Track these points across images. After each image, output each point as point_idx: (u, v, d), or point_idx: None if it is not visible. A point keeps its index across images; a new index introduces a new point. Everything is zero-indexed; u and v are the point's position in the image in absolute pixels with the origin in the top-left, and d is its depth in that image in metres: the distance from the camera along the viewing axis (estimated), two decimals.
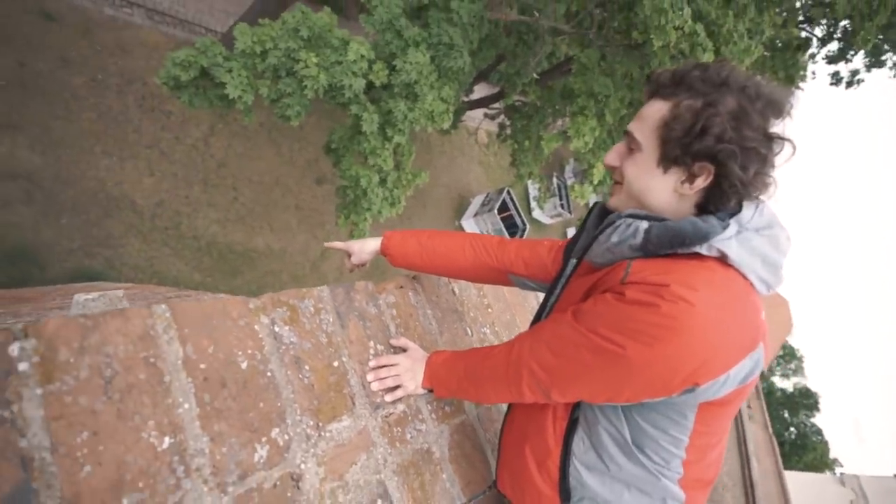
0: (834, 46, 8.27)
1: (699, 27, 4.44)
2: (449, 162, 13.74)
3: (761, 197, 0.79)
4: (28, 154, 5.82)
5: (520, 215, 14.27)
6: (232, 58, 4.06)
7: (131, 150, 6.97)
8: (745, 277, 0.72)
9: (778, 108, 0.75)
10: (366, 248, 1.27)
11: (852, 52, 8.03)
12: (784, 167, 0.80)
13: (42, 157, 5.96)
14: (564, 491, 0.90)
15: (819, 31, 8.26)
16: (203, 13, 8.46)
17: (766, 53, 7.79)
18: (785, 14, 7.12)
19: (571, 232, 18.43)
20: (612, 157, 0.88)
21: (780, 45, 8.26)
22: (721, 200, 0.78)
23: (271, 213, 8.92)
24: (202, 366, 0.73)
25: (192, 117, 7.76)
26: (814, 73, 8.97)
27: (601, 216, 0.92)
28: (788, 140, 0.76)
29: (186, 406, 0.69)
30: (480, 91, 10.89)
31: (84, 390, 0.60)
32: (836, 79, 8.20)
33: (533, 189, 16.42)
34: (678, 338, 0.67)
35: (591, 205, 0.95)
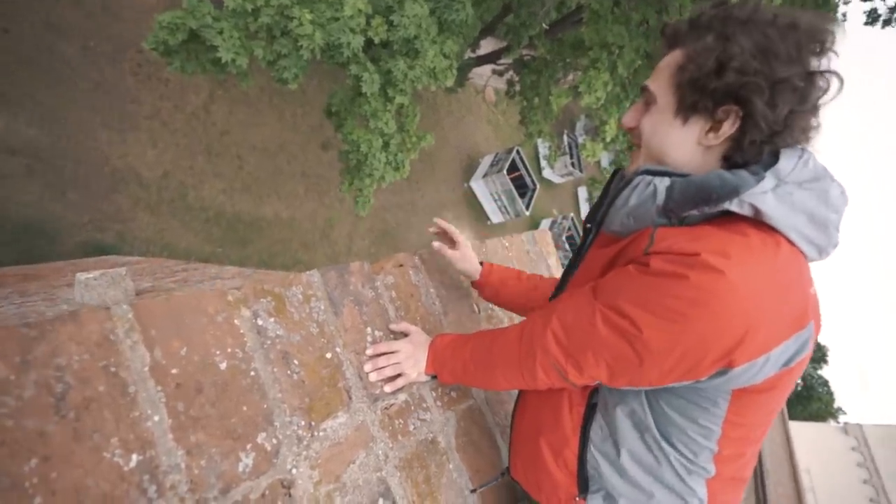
0: None
1: None
2: (456, 122, 13.34)
3: (806, 146, 0.68)
4: (25, 127, 5.72)
5: (529, 175, 13.95)
6: (222, 18, 3.84)
7: (131, 121, 6.83)
8: (789, 242, 0.63)
9: (818, 40, 0.64)
10: (467, 264, 1.20)
11: None
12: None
13: (39, 130, 5.86)
14: (582, 480, 0.83)
15: None
16: None
17: None
18: None
19: (582, 191, 18.06)
20: (629, 117, 0.81)
21: None
22: (751, 149, 0.68)
23: (277, 180, 8.81)
24: (173, 371, 0.65)
25: (190, 84, 7.54)
26: (844, 14, 8.35)
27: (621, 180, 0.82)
28: (833, 73, 0.64)
29: (156, 418, 0.62)
30: (487, 46, 10.39)
31: (30, 411, 0.52)
32: (872, 17, 7.58)
33: (543, 148, 15.96)
34: (709, 312, 0.59)
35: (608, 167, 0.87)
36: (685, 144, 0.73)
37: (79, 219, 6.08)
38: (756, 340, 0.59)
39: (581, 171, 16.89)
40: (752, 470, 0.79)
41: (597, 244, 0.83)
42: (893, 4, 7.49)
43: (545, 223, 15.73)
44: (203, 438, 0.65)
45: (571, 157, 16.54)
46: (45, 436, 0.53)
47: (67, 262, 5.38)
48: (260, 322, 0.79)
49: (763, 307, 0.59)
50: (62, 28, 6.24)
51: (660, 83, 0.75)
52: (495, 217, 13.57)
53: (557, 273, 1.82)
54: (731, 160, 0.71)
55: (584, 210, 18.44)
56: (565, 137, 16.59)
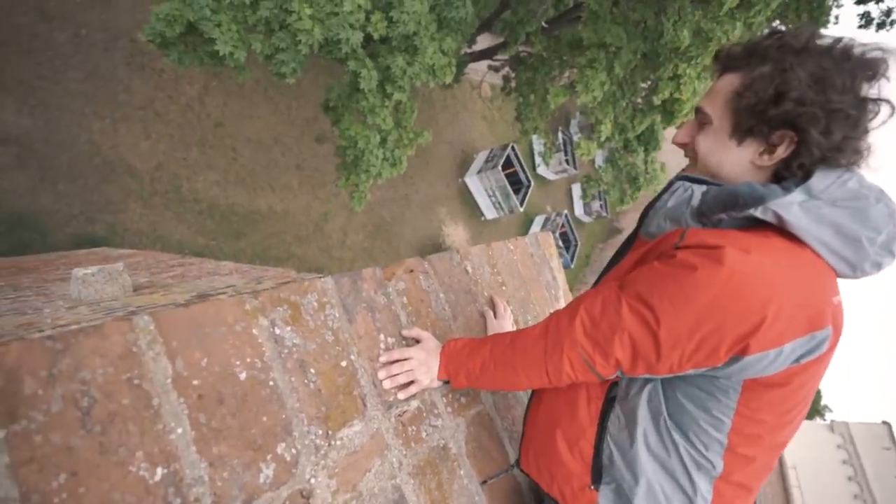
0: None
1: None
2: (452, 117, 13.30)
3: (854, 167, 0.71)
4: (15, 117, 5.61)
5: (524, 171, 13.96)
6: (220, 10, 3.78)
7: (123, 111, 6.72)
8: (816, 254, 0.66)
9: (871, 69, 0.67)
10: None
11: None
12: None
13: (31, 119, 5.75)
14: (596, 469, 0.85)
15: None
16: None
17: None
18: None
19: (576, 188, 18.11)
20: (682, 134, 0.84)
21: None
22: (800, 170, 0.71)
23: (272, 173, 8.73)
24: (195, 382, 0.65)
25: (184, 75, 7.43)
26: (837, 17, 8.42)
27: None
28: (885, 101, 0.68)
29: (180, 430, 0.61)
30: (484, 42, 10.34)
31: (57, 426, 0.52)
32: (865, 20, 7.64)
33: (538, 144, 15.96)
34: (727, 300, 0.62)
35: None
36: (739, 163, 0.77)
37: (70, 210, 5.99)
38: (772, 330, 0.62)
39: (575, 168, 16.94)
40: (760, 483, 0.80)
41: (633, 249, 0.86)
42: (887, 8, 7.57)
43: (539, 220, 15.77)
44: (225, 450, 0.65)
45: (566, 154, 16.57)
46: (73, 451, 0.52)
47: (59, 254, 5.29)
48: (277, 331, 0.79)
49: (780, 300, 0.62)
50: (56, 16, 6.12)
51: (715, 106, 0.78)
52: (489, 213, 13.58)
53: (561, 275, 1.83)
54: (780, 177, 0.74)
55: (578, 207, 18.51)
56: (560, 134, 16.61)
